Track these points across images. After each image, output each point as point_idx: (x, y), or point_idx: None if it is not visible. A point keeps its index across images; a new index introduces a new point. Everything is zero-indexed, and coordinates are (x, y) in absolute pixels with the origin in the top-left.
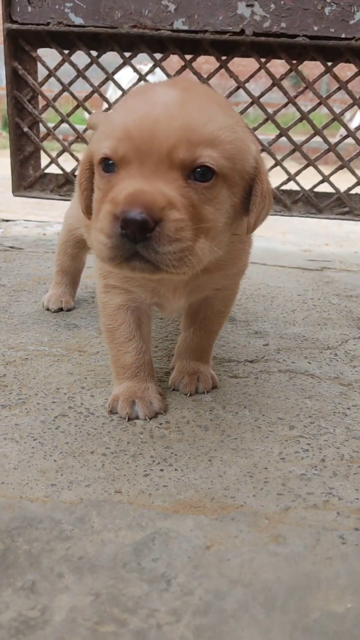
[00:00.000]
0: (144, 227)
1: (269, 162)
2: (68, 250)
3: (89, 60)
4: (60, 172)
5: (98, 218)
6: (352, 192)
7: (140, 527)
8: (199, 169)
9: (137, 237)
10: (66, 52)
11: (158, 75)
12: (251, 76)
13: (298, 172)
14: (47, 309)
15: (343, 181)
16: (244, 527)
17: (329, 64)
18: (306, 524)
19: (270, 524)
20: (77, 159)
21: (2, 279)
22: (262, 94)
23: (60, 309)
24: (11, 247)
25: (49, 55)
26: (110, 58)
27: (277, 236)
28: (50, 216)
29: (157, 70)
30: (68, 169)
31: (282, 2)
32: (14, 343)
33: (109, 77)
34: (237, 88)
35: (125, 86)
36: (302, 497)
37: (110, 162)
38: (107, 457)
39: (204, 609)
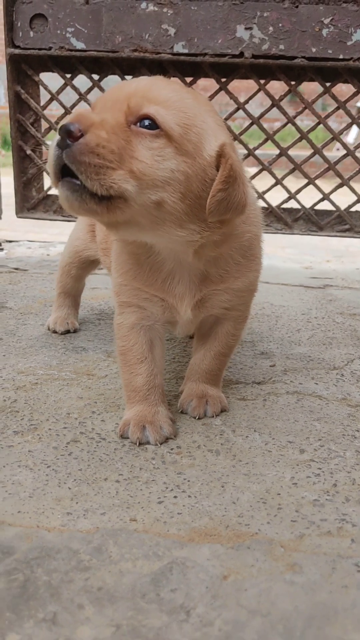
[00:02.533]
0: (69, 133)
1: (269, 181)
2: (72, 271)
3: (90, 83)
4: None
5: None
6: (352, 209)
7: (157, 556)
8: (146, 120)
9: (63, 142)
10: (68, 76)
11: None
12: (250, 97)
13: (298, 191)
14: (54, 332)
15: (343, 196)
16: (259, 556)
17: (328, 84)
18: (321, 551)
19: (286, 552)
20: None
21: (8, 301)
22: (262, 115)
23: (68, 331)
24: (16, 269)
25: (49, 74)
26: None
27: (277, 250)
28: (51, 234)
29: None
30: None
31: (280, 25)
32: (23, 367)
33: None
34: (237, 109)
35: None
36: (316, 524)
37: None
38: (121, 483)
39: None
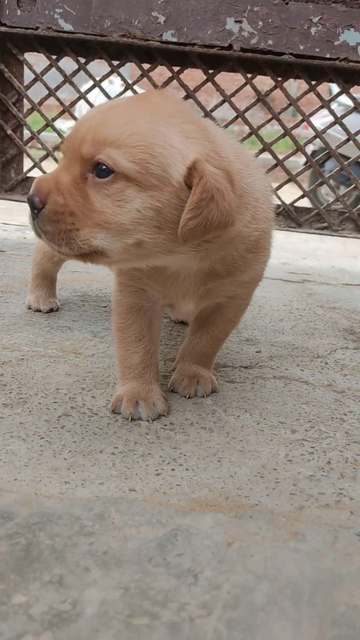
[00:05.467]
0: (33, 206)
1: None
2: (55, 256)
3: (76, 66)
4: None
5: None
6: (331, 208)
7: (160, 523)
8: (100, 166)
9: (33, 214)
10: (54, 57)
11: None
12: (237, 91)
13: (279, 187)
14: (38, 310)
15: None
16: (263, 525)
17: (313, 82)
18: (322, 522)
19: (288, 522)
20: None
21: None
22: (247, 109)
23: (52, 310)
24: None
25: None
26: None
27: None
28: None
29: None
30: None
31: (269, 20)
32: (7, 343)
33: (96, 84)
34: (223, 102)
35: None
36: (315, 497)
37: None
38: (117, 456)
39: (233, 602)
